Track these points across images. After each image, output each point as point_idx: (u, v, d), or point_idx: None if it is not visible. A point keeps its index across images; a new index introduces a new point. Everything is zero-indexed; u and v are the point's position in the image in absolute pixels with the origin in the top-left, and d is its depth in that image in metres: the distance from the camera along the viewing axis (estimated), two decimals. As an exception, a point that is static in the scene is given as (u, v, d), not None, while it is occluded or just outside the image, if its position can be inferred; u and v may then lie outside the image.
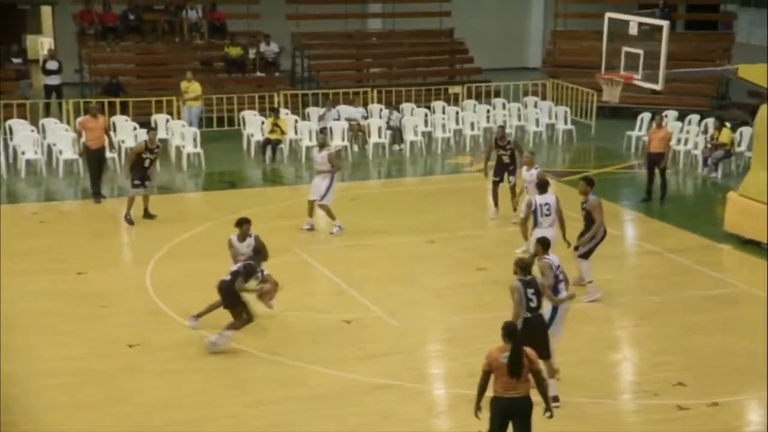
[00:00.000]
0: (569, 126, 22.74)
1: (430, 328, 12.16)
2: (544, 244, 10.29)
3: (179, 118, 21.56)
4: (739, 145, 19.92)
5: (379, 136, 21.44)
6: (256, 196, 17.99)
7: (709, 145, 19.72)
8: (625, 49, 15.12)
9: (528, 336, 8.88)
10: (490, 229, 16.01)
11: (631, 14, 16.29)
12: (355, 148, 21.46)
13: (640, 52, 14.86)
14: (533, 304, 9.47)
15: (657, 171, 17.70)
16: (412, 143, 21.52)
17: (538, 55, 31.22)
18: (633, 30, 14.99)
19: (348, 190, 18.68)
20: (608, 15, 15.94)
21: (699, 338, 11.70)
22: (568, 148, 22.29)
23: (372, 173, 20.52)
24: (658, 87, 14.91)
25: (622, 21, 15.42)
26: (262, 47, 25.22)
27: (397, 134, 21.75)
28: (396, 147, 21.69)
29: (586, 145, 22.53)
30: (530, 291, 9.48)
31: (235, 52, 24.73)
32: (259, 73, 25.08)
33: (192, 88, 21.93)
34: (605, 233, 12.82)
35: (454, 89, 24.79)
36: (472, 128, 22.34)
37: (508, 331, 8.21)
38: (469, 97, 24.15)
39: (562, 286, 10.10)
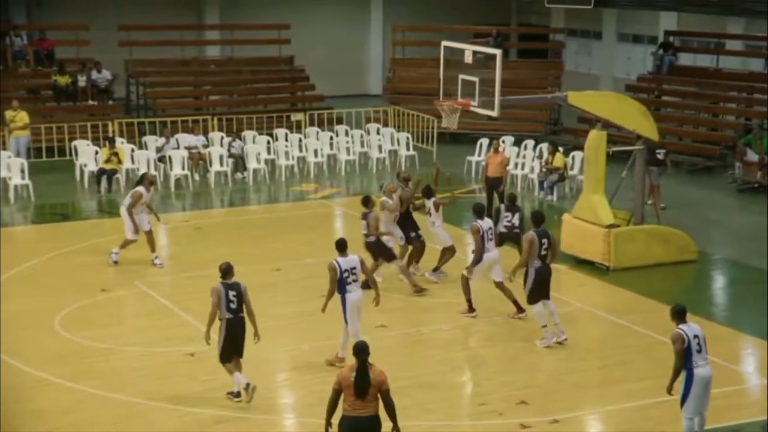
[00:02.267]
0: (411, 152, 23.07)
1: (279, 358, 11.93)
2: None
3: (5, 148, 20.47)
4: (572, 168, 20.75)
5: (221, 165, 21.06)
6: (92, 228, 17.26)
7: (544, 169, 20.44)
8: (462, 76, 15.47)
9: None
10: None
11: (465, 43, 16.73)
12: (196, 176, 20.98)
13: (476, 79, 15.23)
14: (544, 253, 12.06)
15: (495, 194, 18.17)
16: (255, 171, 21.24)
17: (379, 82, 31.68)
18: (468, 58, 15.36)
19: (190, 219, 18.23)
20: (444, 43, 16.29)
21: (541, 357, 11.98)
22: (411, 173, 22.56)
23: (214, 202, 20.10)
24: (494, 113, 15.32)
25: (457, 49, 15.78)
26: (94, 75, 24.35)
27: (239, 162, 21.42)
28: (239, 175, 21.35)
29: (428, 171, 22.90)
30: (544, 242, 12.12)
31: (63, 80, 23.75)
32: (91, 102, 24.19)
33: (18, 117, 20.90)
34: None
35: (296, 116, 24.72)
36: (316, 155, 22.30)
37: (357, 349, 8.15)
38: (312, 124, 24.14)
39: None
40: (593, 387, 11.15)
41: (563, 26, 31.28)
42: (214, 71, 27.70)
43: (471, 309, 13.17)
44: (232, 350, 10.42)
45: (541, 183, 20.44)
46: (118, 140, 20.77)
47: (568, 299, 14.16)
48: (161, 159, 20.81)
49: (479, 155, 22.21)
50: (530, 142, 22.11)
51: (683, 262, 15.69)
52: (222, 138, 22.17)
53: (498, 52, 15.19)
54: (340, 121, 24.55)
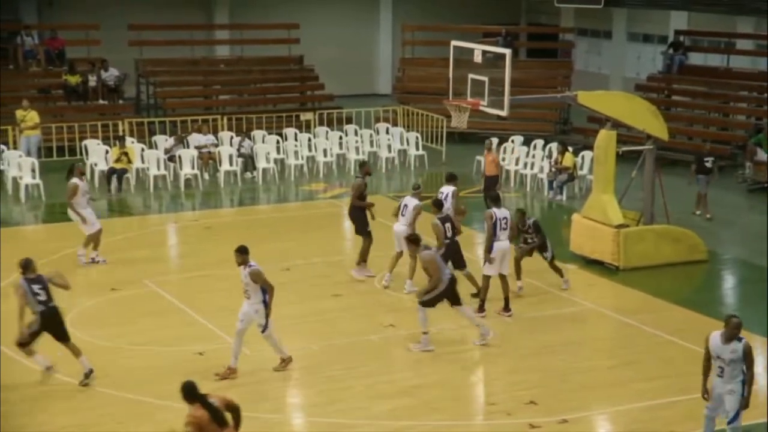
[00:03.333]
0: (420, 152, 23.07)
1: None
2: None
3: (16, 147, 20.55)
4: (581, 168, 20.72)
5: (231, 164, 21.09)
6: (103, 227, 17.26)
7: (553, 169, 20.42)
8: (471, 76, 15.46)
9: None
10: (344, 256, 15.94)
11: (475, 42, 16.71)
12: (206, 176, 21.02)
13: (485, 79, 15.22)
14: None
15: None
16: (264, 171, 21.27)
17: (388, 81, 31.67)
18: (477, 58, 15.35)
19: (200, 218, 18.28)
20: (453, 43, 16.28)
21: (549, 357, 11.97)
22: (420, 173, 22.59)
23: (224, 201, 20.14)
24: (503, 113, 15.31)
25: (467, 49, 15.77)
26: (104, 74, 24.43)
27: (248, 162, 21.46)
28: (248, 174, 21.39)
29: (437, 170, 22.91)
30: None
31: (74, 80, 23.84)
32: (101, 101, 24.27)
33: (29, 116, 20.97)
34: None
35: (305, 116, 24.74)
36: (325, 155, 22.32)
37: (188, 392, 7.84)
38: (321, 123, 24.16)
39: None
40: (602, 387, 11.13)
41: (573, 26, 31.21)
42: (223, 71, 27.75)
43: (481, 309, 13.15)
44: (53, 337, 10.72)
45: (550, 183, 20.41)
46: (128, 140, 20.84)
47: (577, 299, 14.15)
48: (171, 158, 20.86)
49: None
50: (539, 142, 22.08)
51: (693, 262, 15.65)
52: (231, 137, 22.21)
53: (508, 51, 15.18)
54: (349, 121, 24.56)
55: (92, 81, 24.09)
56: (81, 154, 21.06)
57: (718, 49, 28.10)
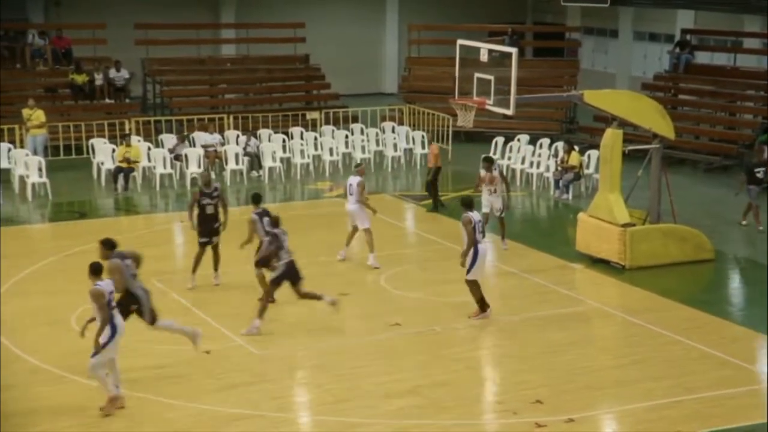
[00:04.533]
0: (426, 150, 23.02)
1: (293, 356, 11.94)
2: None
3: (23, 146, 20.61)
4: (587, 167, 20.70)
5: (237, 163, 21.12)
6: (109, 226, 17.31)
7: (559, 168, 20.40)
8: (477, 75, 15.45)
9: None
10: (350, 254, 15.95)
11: (481, 41, 16.70)
12: (212, 174, 20.99)
13: (491, 77, 15.21)
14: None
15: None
16: (270, 169, 21.30)
17: (394, 80, 31.68)
18: (484, 57, 15.34)
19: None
20: (459, 42, 16.27)
21: (555, 356, 11.96)
22: (426, 172, 22.58)
23: (230, 200, 20.10)
24: (509, 112, 15.29)
25: (473, 48, 15.77)
26: (112, 73, 24.51)
27: (255, 160, 21.48)
28: (254, 173, 21.41)
29: (443, 169, 22.87)
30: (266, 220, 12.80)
31: (80, 79, 23.90)
32: (108, 100, 24.33)
33: (35, 115, 21.03)
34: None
35: (311, 115, 24.76)
36: (331, 154, 22.33)
37: None
38: (327, 122, 24.18)
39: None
40: (608, 386, 11.12)
41: (579, 24, 31.19)
42: (229, 69, 27.80)
43: (483, 309, 13.08)
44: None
45: (556, 182, 20.39)
46: (135, 138, 20.88)
47: (583, 298, 14.14)
48: (177, 157, 20.90)
49: (494, 154, 22.20)
50: (545, 141, 22.05)
51: (699, 262, 15.63)
52: (238, 136, 22.24)
53: (514, 50, 15.17)
54: (355, 120, 24.58)
55: (99, 80, 24.15)
56: (87, 153, 21.10)
57: (725, 47, 28.05)
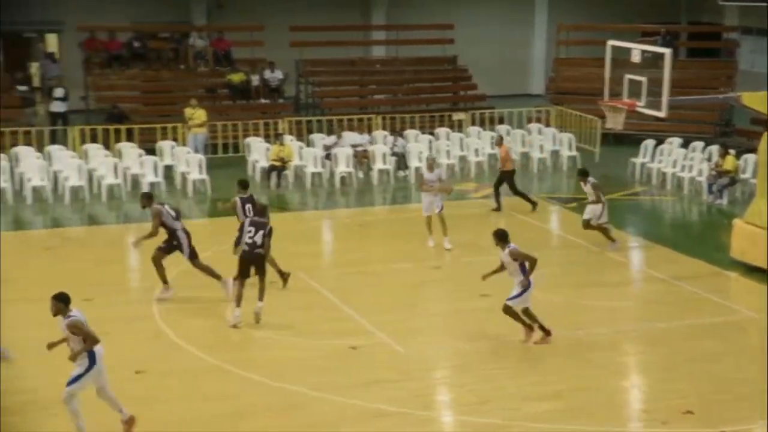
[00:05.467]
0: (573, 152, 22.79)
1: (437, 355, 12.10)
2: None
3: (184, 144, 21.64)
4: (743, 172, 19.94)
5: (384, 163, 21.49)
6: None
7: (713, 172, 19.75)
8: (628, 76, 15.19)
9: None
10: (493, 255, 15.96)
11: (633, 42, 16.39)
12: (360, 174, 21.50)
13: (643, 79, 14.93)
14: None
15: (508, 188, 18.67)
16: (416, 169, 21.55)
17: (541, 82, 31.37)
18: (635, 57, 15.08)
19: (353, 216, 18.73)
20: (610, 43, 16.04)
21: (706, 365, 11.65)
22: (573, 174, 22.31)
23: (377, 199, 20.55)
24: (662, 114, 14.97)
25: (624, 48, 15.51)
26: (267, 74, 25.39)
27: (401, 160, 21.80)
28: (401, 173, 21.73)
29: (590, 172, 22.56)
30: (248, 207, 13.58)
31: (237, 78, 24.88)
32: (263, 100, 25.22)
33: (197, 115, 22.03)
34: None
35: (458, 115, 24.89)
36: (477, 154, 22.40)
37: None
38: (473, 123, 24.25)
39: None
40: (762, 399, 10.74)
41: (737, 24, 29.98)
42: (379, 71, 28.28)
43: (546, 332, 12.13)
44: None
45: (709, 186, 19.75)
46: (287, 137, 21.58)
47: (737, 307, 13.69)
48: (328, 156, 21.46)
49: (644, 157, 21.73)
50: (699, 144, 21.39)
51: None
52: (385, 136, 22.63)
53: (668, 51, 14.84)
54: (501, 121, 24.55)
55: (255, 81, 25.09)
56: (244, 151, 21.96)
57: None
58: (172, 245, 13.52)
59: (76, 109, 24.47)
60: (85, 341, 9.25)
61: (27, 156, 19.95)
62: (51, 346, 9.67)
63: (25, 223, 17.89)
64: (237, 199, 14.25)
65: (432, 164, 16.59)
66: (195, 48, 25.85)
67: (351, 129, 22.82)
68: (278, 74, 25.55)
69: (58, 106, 23.45)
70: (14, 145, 20.58)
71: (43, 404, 10.39)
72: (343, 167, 21.09)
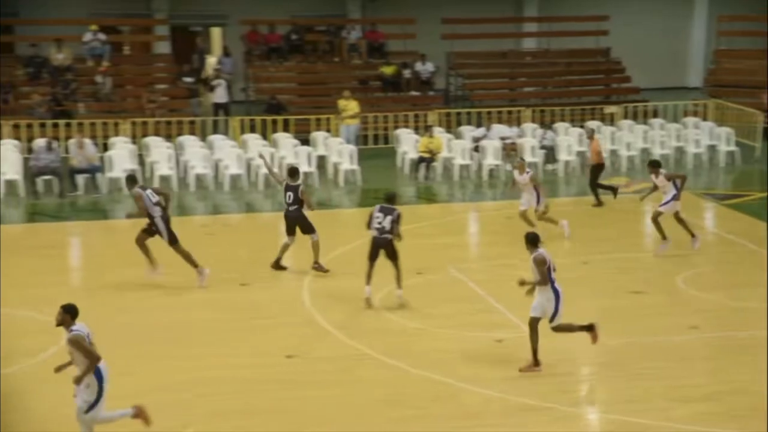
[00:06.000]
0: (732, 148, 21.99)
1: (585, 351, 11.97)
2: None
3: (337, 135, 22.21)
4: None
5: (533, 156, 21.38)
6: (410, 213, 18.04)
7: None
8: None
9: None
10: (646, 252, 15.69)
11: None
12: (508, 167, 21.46)
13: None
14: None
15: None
16: (566, 163, 21.35)
17: (699, 74, 30.36)
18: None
19: (501, 209, 18.75)
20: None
21: None
22: (731, 170, 21.58)
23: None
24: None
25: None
26: (418, 66, 25.68)
27: (550, 153, 21.65)
28: (549, 166, 21.58)
29: (750, 168, 21.75)
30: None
31: (390, 70, 25.28)
32: (414, 92, 25.53)
33: (350, 106, 22.57)
34: None
35: (610, 109, 24.47)
36: (628, 149, 21.97)
37: None
38: (626, 117, 23.78)
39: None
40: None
41: None
42: (529, 63, 28.11)
43: (536, 362, 11.22)
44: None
45: None
46: (436, 129, 21.81)
47: None
48: (476, 149, 21.56)
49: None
50: None
51: None
52: (534, 129, 22.51)
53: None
54: (655, 114, 23.99)
55: (406, 73, 25.43)
56: (393, 142, 22.34)
57: None
58: (152, 229, 13.86)
59: (236, 101, 25.54)
60: (85, 358, 8.55)
61: (191, 144, 20.98)
62: (58, 369, 9.08)
63: (188, 209, 18.84)
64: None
65: (522, 166, 16.36)
66: (349, 40, 26.43)
67: (500, 121, 22.84)
68: (429, 66, 25.81)
69: (219, 97, 24.52)
70: (180, 134, 21.69)
71: (207, 381, 10.92)
72: (491, 160, 21.13)
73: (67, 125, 21.43)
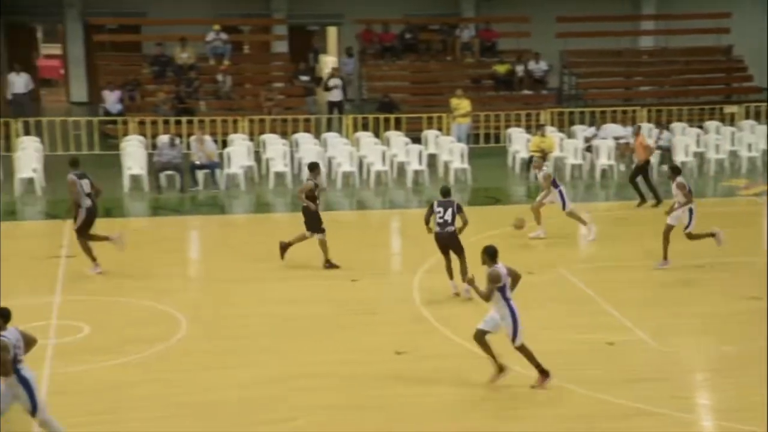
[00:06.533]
0: None
1: (697, 356, 11.79)
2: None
3: (448, 134, 22.31)
4: None
5: (608, 158, 20.97)
6: (520, 213, 18.17)
7: None
8: None
9: None
10: (762, 257, 15.21)
11: None
12: (622, 167, 21.15)
13: None
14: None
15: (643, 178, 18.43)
16: (682, 164, 20.86)
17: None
18: None
19: (611, 210, 18.50)
20: None
21: None
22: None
23: (637, 194, 20.07)
24: None
25: None
26: (531, 65, 25.53)
27: (666, 154, 21.20)
28: (664, 167, 21.11)
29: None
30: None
31: (502, 69, 25.22)
32: (526, 91, 25.40)
33: (462, 105, 22.64)
34: None
35: (730, 109, 23.81)
36: (749, 150, 21.31)
37: None
38: (747, 117, 23.07)
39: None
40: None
41: None
42: (646, 62, 27.58)
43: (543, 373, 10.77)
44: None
45: None
46: (549, 129, 21.65)
47: None
48: (588, 149, 21.30)
49: None
50: None
51: None
52: (650, 129, 22.08)
53: None
54: (778, 115, 23.18)
55: (519, 72, 25.33)
56: (505, 141, 22.29)
57: None
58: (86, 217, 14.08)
59: (349, 99, 25.95)
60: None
61: (305, 142, 21.46)
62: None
63: (300, 207, 19.16)
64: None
65: (540, 165, 16.46)
66: (462, 39, 26.50)
67: (614, 121, 22.50)
68: (542, 65, 25.63)
69: (333, 96, 24.97)
70: (295, 131, 22.20)
71: (312, 375, 11.20)
72: (604, 160, 20.85)
73: (189, 122, 22.23)
